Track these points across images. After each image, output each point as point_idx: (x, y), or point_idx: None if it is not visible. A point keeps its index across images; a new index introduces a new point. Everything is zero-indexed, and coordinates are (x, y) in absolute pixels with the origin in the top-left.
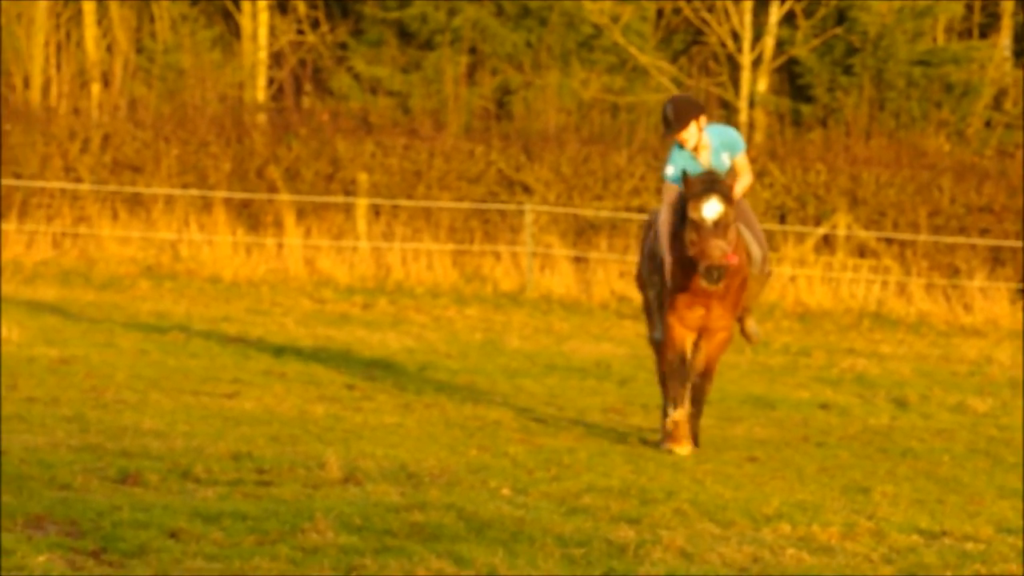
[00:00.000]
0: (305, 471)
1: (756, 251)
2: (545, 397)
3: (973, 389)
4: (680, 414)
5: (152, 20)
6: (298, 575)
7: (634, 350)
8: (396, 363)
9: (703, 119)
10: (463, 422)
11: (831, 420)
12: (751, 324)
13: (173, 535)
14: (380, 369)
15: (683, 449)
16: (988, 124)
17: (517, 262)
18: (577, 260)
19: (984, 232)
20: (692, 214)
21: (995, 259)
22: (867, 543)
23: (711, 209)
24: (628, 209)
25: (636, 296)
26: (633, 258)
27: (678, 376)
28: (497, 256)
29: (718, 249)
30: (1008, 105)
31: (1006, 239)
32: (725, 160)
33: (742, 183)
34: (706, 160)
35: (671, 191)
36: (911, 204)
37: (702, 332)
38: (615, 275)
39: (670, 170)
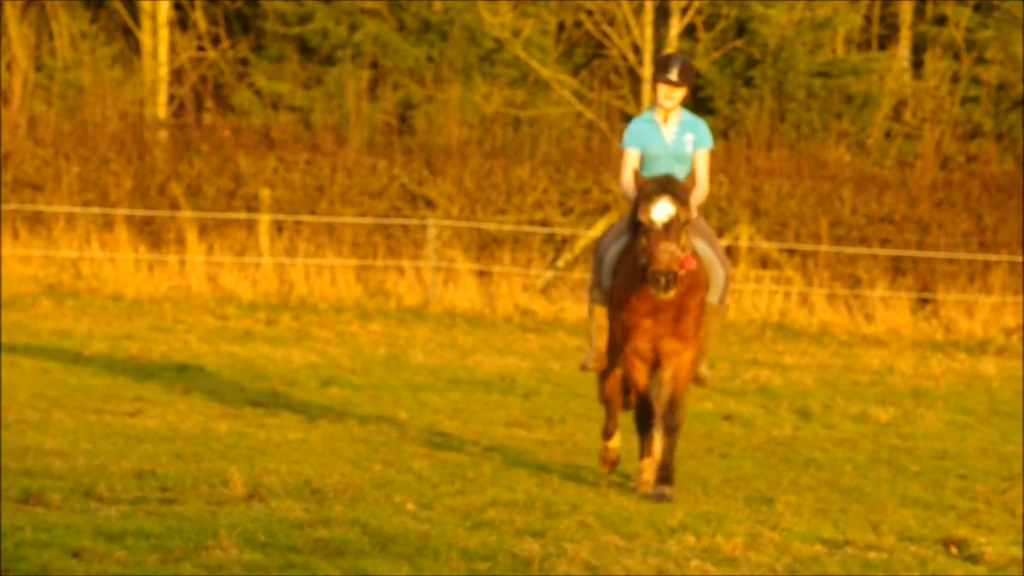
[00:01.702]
0: (209, 488)
1: (719, 275)
2: (449, 411)
3: (875, 399)
4: (648, 463)
5: (51, 37)
6: None
7: (538, 363)
8: (300, 379)
9: (688, 90)
10: (367, 437)
11: (735, 431)
12: (703, 369)
13: (76, 555)
14: (284, 385)
15: (649, 488)
16: (888, 135)
17: (420, 277)
18: (480, 274)
19: (885, 242)
20: (641, 216)
21: (896, 269)
22: (771, 553)
23: (661, 210)
24: (531, 223)
25: (540, 309)
26: (536, 271)
27: (644, 420)
28: (400, 271)
29: (667, 253)
30: (907, 115)
31: (906, 249)
32: (687, 142)
33: (699, 192)
34: (670, 134)
35: (630, 158)
36: (812, 215)
37: (663, 358)
38: (519, 289)
39: (627, 134)
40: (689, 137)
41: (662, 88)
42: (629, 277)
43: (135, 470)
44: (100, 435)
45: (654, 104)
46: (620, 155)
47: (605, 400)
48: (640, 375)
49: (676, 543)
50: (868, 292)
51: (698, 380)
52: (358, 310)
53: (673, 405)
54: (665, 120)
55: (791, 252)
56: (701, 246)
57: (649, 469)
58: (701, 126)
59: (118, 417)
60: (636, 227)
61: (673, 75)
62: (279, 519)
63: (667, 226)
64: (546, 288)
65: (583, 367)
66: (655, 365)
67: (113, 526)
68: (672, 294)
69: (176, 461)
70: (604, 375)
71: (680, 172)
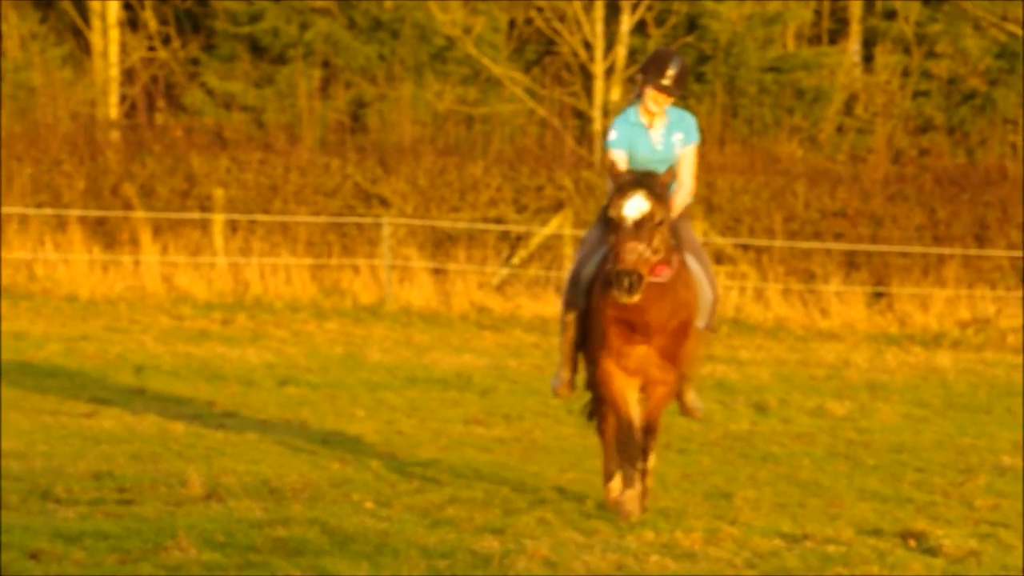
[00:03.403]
0: (167, 489)
1: (707, 294)
2: (406, 410)
3: (831, 393)
4: (631, 495)
5: (0, 38)
6: None
7: (495, 361)
8: (256, 379)
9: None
10: (325, 436)
11: (692, 426)
12: (691, 397)
13: (34, 556)
14: (240, 385)
15: (636, 518)
16: (840, 129)
17: (376, 275)
18: (436, 272)
19: (838, 236)
20: (611, 212)
21: (850, 263)
22: (730, 548)
23: (633, 206)
24: (485, 220)
25: (496, 306)
26: (491, 268)
27: (629, 450)
28: (356, 269)
29: (633, 252)
30: (859, 110)
31: (860, 243)
32: (676, 143)
33: (683, 193)
34: (657, 135)
35: (616, 160)
36: (766, 210)
37: (643, 383)
38: (474, 286)
39: (613, 135)
40: (678, 137)
41: (651, 93)
42: (605, 283)
43: (92, 471)
44: (57, 437)
45: (638, 100)
46: (604, 154)
47: (602, 433)
48: (619, 384)
49: (635, 539)
50: (823, 287)
51: (687, 411)
52: (314, 309)
53: (647, 433)
54: (651, 124)
55: (745, 247)
56: (691, 264)
57: (632, 501)
58: (688, 121)
59: (75, 419)
60: (607, 223)
61: (667, 81)
62: (238, 519)
63: (638, 224)
64: (501, 285)
65: (553, 391)
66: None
67: (71, 527)
68: (636, 299)
69: (133, 462)
70: (598, 407)
71: (674, 167)
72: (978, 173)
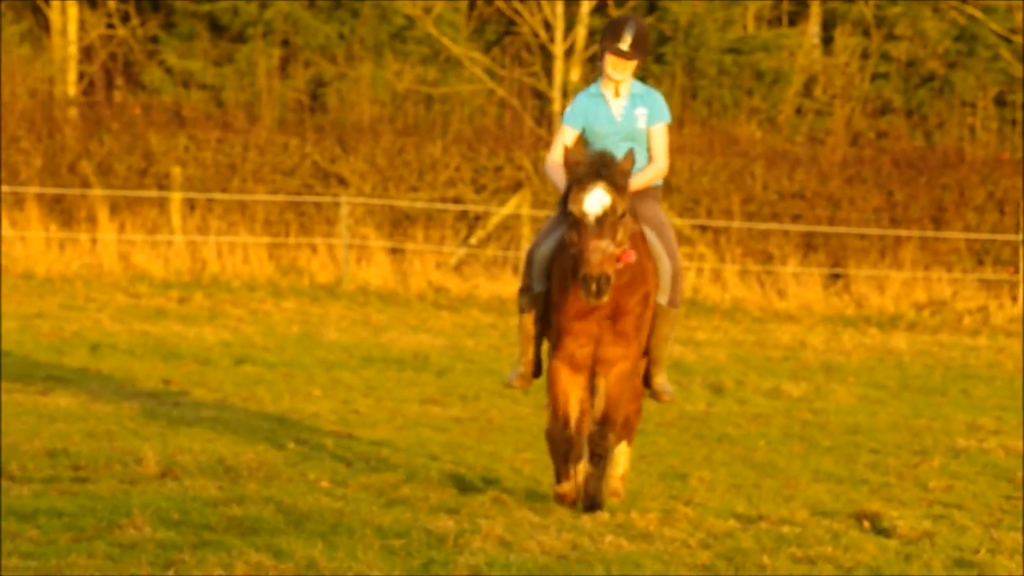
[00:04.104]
0: (122, 467)
1: (665, 266)
2: (363, 389)
3: (787, 374)
4: (568, 487)
5: None
6: (116, 572)
7: (452, 341)
8: (213, 357)
9: (638, 64)
10: (281, 415)
11: (648, 407)
12: (661, 380)
13: None
14: (197, 363)
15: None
16: (799, 111)
17: (333, 254)
18: (393, 251)
19: (796, 218)
20: (571, 207)
21: (807, 245)
22: (685, 528)
23: (594, 201)
24: (444, 200)
25: (453, 286)
26: (449, 248)
27: (562, 452)
28: (313, 248)
29: (598, 253)
30: (818, 92)
31: (818, 225)
32: (639, 117)
33: (653, 169)
34: (619, 108)
35: (565, 135)
36: (724, 191)
37: (595, 366)
38: (432, 266)
39: (568, 109)
40: (641, 111)
41: (611, 59)
42: (561, 276)
43: (47, 449)
44: (11, 414)
45: (601, 75)
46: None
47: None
48: (563, 384)
49: (590, 519)
50: (780, 268)
51: (654, 394)
52: (271, 288)
53: (604, 425)
54: (616, 94)
55: (703, 229)
56: (649, 236)
57: (572, 490)
58: (656, 98)
59: (30, 396)
60: (566, 216)
61: (624, 44)
62: (193, 497)
63: (600, 220)
64: (459, 265)
65: (507, 384)
66: (591, 385)
67: (25, 505)
68: (605, 300)
69: (88, 440)
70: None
71: (633, 152)
72: (936, 156)
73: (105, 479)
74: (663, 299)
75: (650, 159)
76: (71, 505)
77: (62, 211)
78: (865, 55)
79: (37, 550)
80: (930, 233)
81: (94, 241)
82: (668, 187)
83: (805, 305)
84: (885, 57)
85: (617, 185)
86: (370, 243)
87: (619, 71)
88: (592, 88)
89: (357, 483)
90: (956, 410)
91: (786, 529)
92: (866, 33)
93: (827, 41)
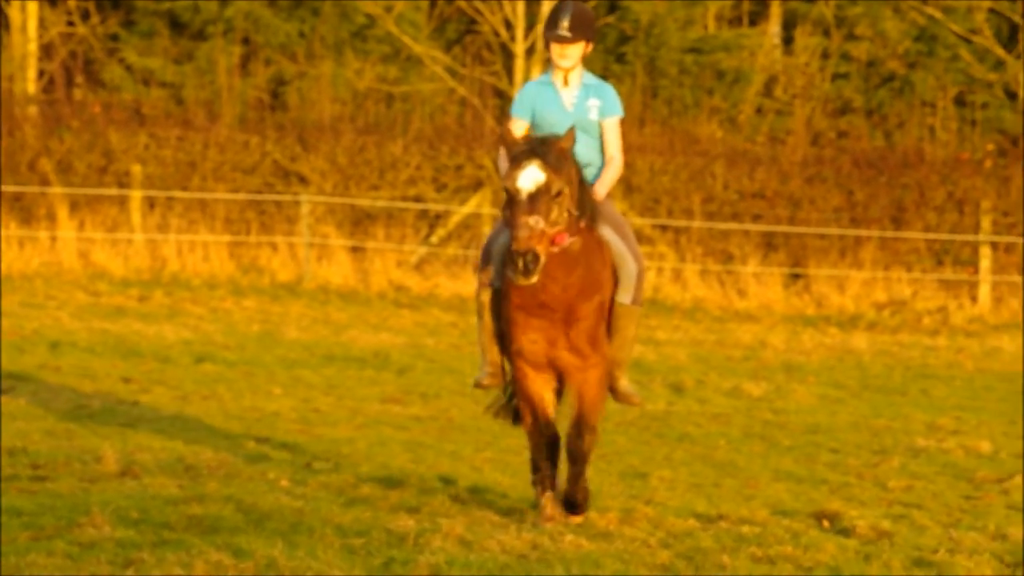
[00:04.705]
0: (81, 465)
1: (630, 269)
2: (323, 387)
3: (748, 373)
4: (549, 500)
5: None
6: (75, 571)
7: (412, 339)
8: (173, 355)
9: (591, 46)
10: (241, 413)
11: (608, 406)
12: (625, 383)
13: None
14: (157, 361)
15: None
16: (759, 111)
17: (294, 253)
18: (354, 250)
19: (757, 218)
20: (506, 184)
21: (768, 244)
22: (645, 528)
23: (528, 178)
24: (404, 199)
25: (414, 285)
26: (410, 247)
27: (547, 451)
28: (274, 247)
29: (526, 228)
30: (778, 92)
31: (778, 224)
32: (591, 108)
33: (613, 169)
34: (570, 99)
35: (514, 127)
36: (685, 191)
37: (563, 373)
38: (392, 264)
39: (515, 100)
40: (594, 103)
41: (554, 47)
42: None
43: (6, 447)
44: None
45: (551, 67)
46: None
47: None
48: (533, 385)
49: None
50: (740, 268)
51: (620, 397)
52: (231, 286)
53: (579, 428)
54: (565, 83)
55: (664, 228)
56: (608, 235)
57: (551, 505)
58: (608, 90)
59: None
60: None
61: (563, 29)
62: (152, 496)
63: (533, 196)
64: (420, 264)
65: (477, 384)
66: (559, 383)
67: None
68: (534, 279)
69: (48, 438)
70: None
71: (583, 141)
72: (896, 156)
73: (64, 477)
74: (626, 298)
75: (604, 155)
76: (30, 504)
77: (21, 209)
78: (825, 55)
79: None
80: (890, 233)
81: (54, 239)
82: (628, 186)
83: (765, 305)
84: (845, 57)
85: (553, 163)
86: (331, 242)
87: (565, 58)
88: (543, 77)
89: (317, 482)
90: (916, 410)
91: (746, 529)
92: (826, 33)
93: (787, 41)
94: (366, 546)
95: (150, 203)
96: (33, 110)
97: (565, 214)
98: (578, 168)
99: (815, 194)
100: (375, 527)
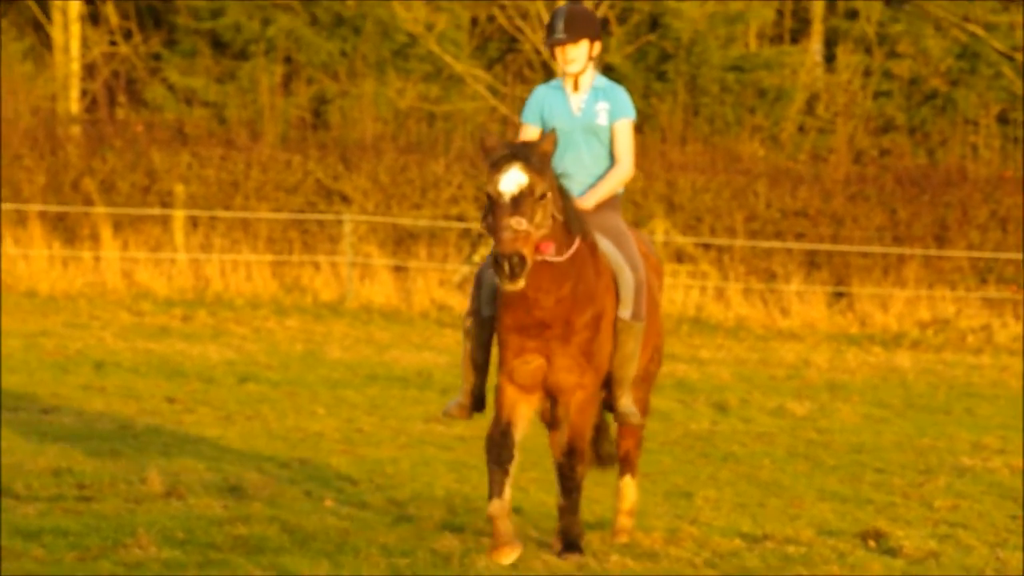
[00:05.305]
0: (127, 486)
1: (627, 282)
2: (367, 407)
3: (791, 392)
4: (497, 507)
5: None
6: None
7: (455, 359)
8: (216, 375)
9: (598, 46)
10: (285, 434)
11: (653, 426)
12: (626, 401)
13: None
14: (200, 382)
15: (505, 557)
16: (801, 129)
17: (337, 272)
18: (397, 269)
19: (799, 236)
20: (488, 188)
21: (811, 263)
22: (690, 548)
23: (510, 181)
24: (447, 218)
25: (456, 304)
26: (452, 266)
27: (495, 454)
28: (316, 266)
29: (509, 230)
30: (820, 109)
31: (821, 243)
32: (599, 112)
33: (618, 173)
34: (578, 103)
35: (525, 133)
36: (727, 209)
37: (553, 395)
38: (435, 284)
39: (526, 107)
40: (603, 106)
41: (557, 52)
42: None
43: (52, 468)
44: (15, 433)
45: (563, 73)
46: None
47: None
48: (509, 397)
49: (596, 538)
50: (783, 286)
51: (620, 417)
52: (274, 306)
53: (571, 456)
54: (575, 88)
55: (706, 247)
56: (605, 246)
57: (501, 514)
58: (619, 93)
59: (34, 415)
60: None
61: (559, 32)
62: (198, 516)
63: (516, 199)
64: (462, 283)
65: (445, 413)
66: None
67: (30, 524)
68: (520, 284)
69: (93, 459)
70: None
71: (593, 148)
72: (939, 174)
73: (110, 498)
74: (626, 313)
75: (613, 159)
76: (76, 524)
77: (65, 229)
78: (867, 73)
79: (41, 569)
80: (933, 251)
81: (97, 259)
82: (671, 205)
83: (809, 323)
84: (887, 75)
85: (536, 165)
86: (373, 261)
87: (569, 62)
88: (554, 82)
89: (362, 502)
90: (960, 429)
91: (792, 548)
92: (868, 51)
93: (829, 59)
94: (411, 566)
95: (193, 223)
96: (76, 130)
97: (550, 219)
98: (557, 176)
99: (858, 212)
100: (420, 547)
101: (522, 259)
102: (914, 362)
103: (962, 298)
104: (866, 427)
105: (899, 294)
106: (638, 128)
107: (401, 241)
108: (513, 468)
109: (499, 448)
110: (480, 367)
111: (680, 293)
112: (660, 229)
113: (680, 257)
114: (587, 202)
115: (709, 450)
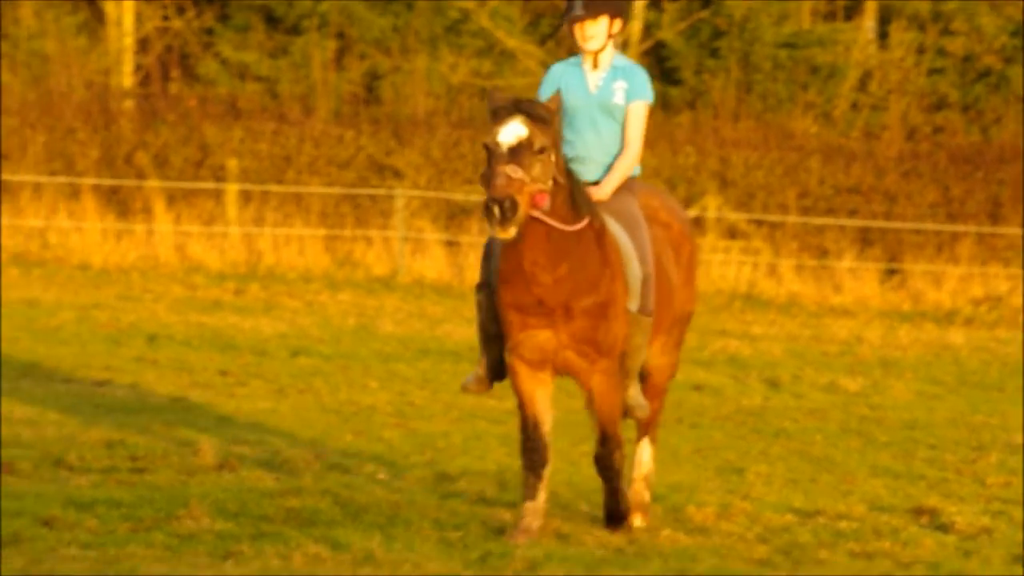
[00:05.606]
0: (179, 458)
1: (635, 270)
2: (419, 381)
3: (844, 369)
4: (531, 508)
5: (15, 6)
6: (174, 562)
7: None
8: (269, 349)
9: (619, 23)
10: (337, 407)
11: (704, 401)
12: (632, 393)
13: (47, 523)
14: (253, 355)
15: (519, 541)
16: (854, 106)
17: (389, 247)
18: (448, 244)
19: (852, 213)
20: (486, 140)
21: (863, 239)
22: (742, 523)
23: (509, 132)
24: None
25: None
26: None
27: (528, 459)
28: (369, 241)
29: (503, 176)
30: (873, 87)
31: (874, 219)
32: (617, 91)
33: (626, 158)
34: (595, 81)
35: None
36: (780, 186)
37: (572, 376)
38: None
39: (543, 84)
40: (620, 85)
41: (576, 30)
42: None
43: (105, 439)
44: (69, 404)
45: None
46: None
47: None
48: (525, 384)
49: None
50: (836, 263)
51: (628, 408)
52: (326, 280)
53: (603, 443)
54: (595, 65)
55: (759, 223)
56: (615, 230)
57: (532, 514)
58: (638, 73)
59: (87, 387)
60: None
61: (579, 8)
62: (250, 488)
63: (514, 150)
64: None
65: (464, 387)
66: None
67: (84, 495)
68: (511, 231)
69: (146, 431)
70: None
71: (610, 126)
72: (992, 151)
73: (163, 470)
74: (633, 305)
75: (624, 142)
76: (129, 495)
77: (118, 202)
78: (921, 50)
79: (95, 540)
80: (987, 228)
81: (150, 232)
82: (724, 181)
83: (861, 300)
84: (941, 52)
85: (536, 118)
86: (425, 236)
87: (588, 39)
88: (572, 59)
89: (414, 475)
90: (1013, 406)
91: (844, 524)
92: (922, 28)
93: (883, 36)
94: (463, 539)
95: (246, 197)
96: (129, 104)
97: (550, 177)
98: (567, 160)
99: (911, 189)
100: (472, 520)
101: (514, 203)
102: (967, 339)
103: (1015, 275)
104: (919, 404)
105: (952, 271)
106: (691, 105)
107: (453, 216)
108: (547, 472)
109: (532, 453)
110: (493, 338)
111: (733, 269)
112: (712, 205)
113: (733, 233)
114: (602, 192)
115: (761, 426)
